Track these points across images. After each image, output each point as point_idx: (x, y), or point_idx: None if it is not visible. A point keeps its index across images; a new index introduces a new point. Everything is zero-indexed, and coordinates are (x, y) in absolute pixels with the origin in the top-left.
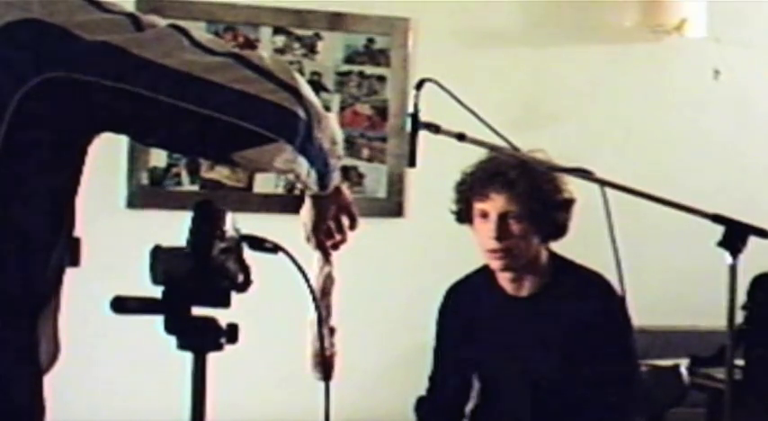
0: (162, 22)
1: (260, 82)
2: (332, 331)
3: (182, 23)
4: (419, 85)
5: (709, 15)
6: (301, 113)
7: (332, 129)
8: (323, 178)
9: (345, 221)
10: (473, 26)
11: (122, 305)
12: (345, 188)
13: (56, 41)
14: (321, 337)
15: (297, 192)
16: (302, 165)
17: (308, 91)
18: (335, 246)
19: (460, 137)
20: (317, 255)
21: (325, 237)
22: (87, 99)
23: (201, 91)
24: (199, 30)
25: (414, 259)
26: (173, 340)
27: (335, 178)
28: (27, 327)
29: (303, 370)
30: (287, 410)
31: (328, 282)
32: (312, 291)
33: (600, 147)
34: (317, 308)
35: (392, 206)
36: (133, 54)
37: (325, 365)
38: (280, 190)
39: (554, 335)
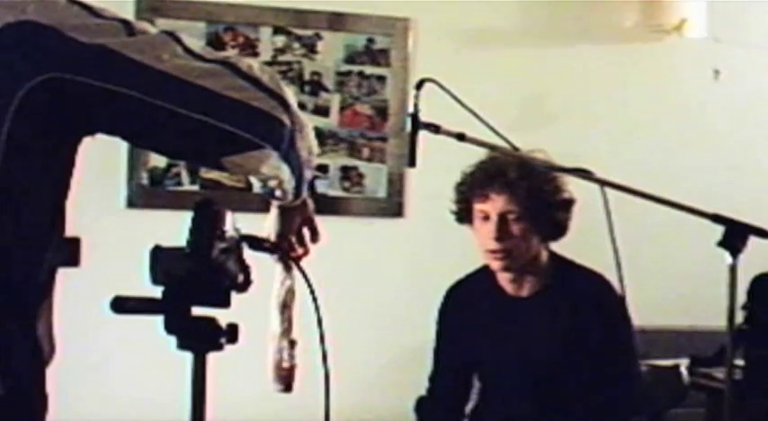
0: (153, 29)
1: (249, 90)
2: (292, 344)
3: (182, 24)
4: (419, 85)
5: (709, 15)
6: (287, 121)
7: (310, 139)
8: (298, 187)
9: (307, 235)
10: (473, 26)
11: (122, 305)
12: (310, 202)
13: (51, 43)
14: (322, 337)
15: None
16: (285, 171)
17: (293, 100)
18: (298, 260)
19: (460, 137)
20: (278, 268)
21: (288, 249)
22: (81, 100)
23: (193, 96)
24: (196, 33)
25: (414, 259)
26: (173, 340)
27: (305, 189)
28: (29, 322)
29: (304, 369)
30: (287, 410)
31: (289, 295)
32: (312, 291)
33: (600, 147)
34: (317, 309)
35: (392, 206)
36: (128, 57)
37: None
38: None
39: (554, 335)
